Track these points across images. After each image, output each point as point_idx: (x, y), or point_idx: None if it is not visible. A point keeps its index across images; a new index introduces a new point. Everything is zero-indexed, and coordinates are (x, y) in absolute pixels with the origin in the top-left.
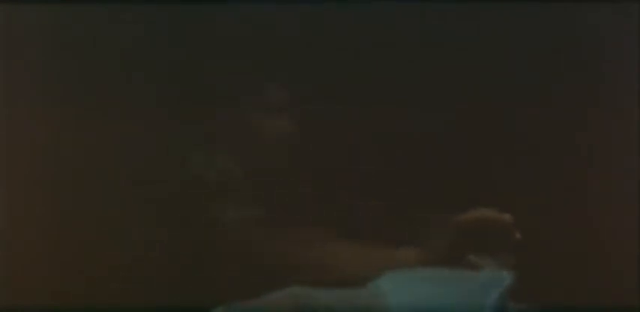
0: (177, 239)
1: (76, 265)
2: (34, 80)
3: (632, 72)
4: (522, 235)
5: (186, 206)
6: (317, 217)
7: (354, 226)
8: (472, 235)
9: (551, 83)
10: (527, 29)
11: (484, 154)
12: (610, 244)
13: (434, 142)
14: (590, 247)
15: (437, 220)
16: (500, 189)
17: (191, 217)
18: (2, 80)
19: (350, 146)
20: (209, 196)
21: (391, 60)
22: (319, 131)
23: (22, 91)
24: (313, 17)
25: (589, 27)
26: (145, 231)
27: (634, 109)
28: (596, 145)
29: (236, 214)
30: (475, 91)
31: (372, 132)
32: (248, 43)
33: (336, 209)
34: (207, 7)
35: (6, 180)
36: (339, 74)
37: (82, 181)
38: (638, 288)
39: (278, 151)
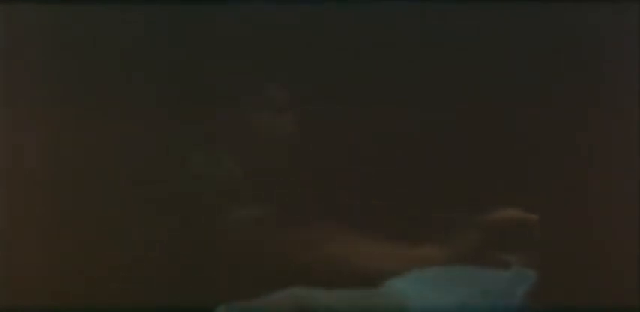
0: (177, 239)
1: (76, 265)
2: (34, 80)
3: (632, 72)
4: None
5: (186, 206)
6: (324, 217)
7: (363, 226)
8: (498, 233)
9: (551, 83)
10: (527, 29)
11: (484, 154)
12: (610, 244)
13: (434, 142)
14: (590, 247)
15: (456, 219)
16: (500, 189)
17: (191, 217)
18: (2, 80)
19: (350, 146)
20: (209, 196)
21: (391, 60)
22: (319, 131)
23: (22, 91)
24: (313, 17)
25: (589, 27)
26: (144, 231)
27: (634, 109)
28: (596, 145)
29: (236, 214)
30: (475, 91)
31: (372, 132)
32: (248, 43)
33: (346, 209)
34: (208, 7)
35: (6, 180)
36: (339, 74)
37: (82, 181)
38: (638, 288)
39: (278, 151)
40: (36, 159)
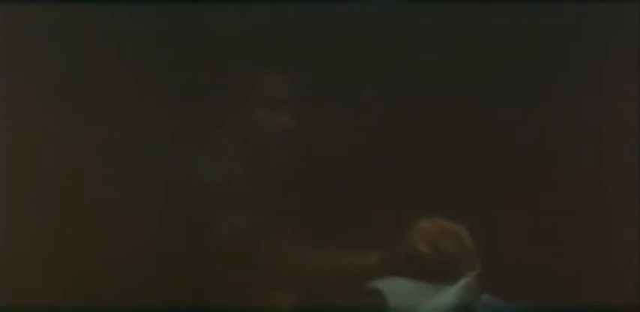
0: (177, 240)
1: (76, 265)
2: (34, 80)
3: (632, 72)
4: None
5: (187, 207)
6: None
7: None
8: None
9: (552, 83)
10: (528, 30)
11: (485, 154)
12: (610, 244)
13: (433, 142)
14: (590, 247)
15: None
16: (502, 189)
17: (191, 219)
18: (2, 80)
19: (350, 147)
20: (211, 199)
21: (392, 60)
22: (319, 133)
23: (22, 91)
24: (314, 17)
25: (589, 27)
26: (144, 231)
27: (634, 109)
28: (596, 145)
29: (235, 216)
30: (475, 92)
31: (372, 132)
32: (250, 44)
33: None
34: (207, 7)
35: (6, 180)
36: (339, 75)
37: (82, 181)
38: (638, 288)
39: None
40: (37, 159)
